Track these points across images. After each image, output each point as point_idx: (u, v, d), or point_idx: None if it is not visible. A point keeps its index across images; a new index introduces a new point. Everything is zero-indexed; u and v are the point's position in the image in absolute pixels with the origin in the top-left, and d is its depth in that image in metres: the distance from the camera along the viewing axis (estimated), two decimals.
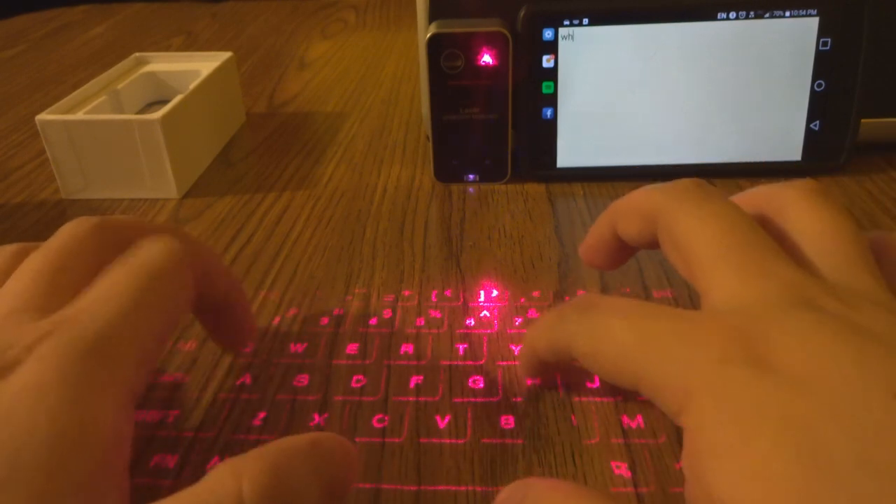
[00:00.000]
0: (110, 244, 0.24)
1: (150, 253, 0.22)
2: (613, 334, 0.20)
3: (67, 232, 0.23)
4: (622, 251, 0.26)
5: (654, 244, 0.23)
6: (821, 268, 0.20)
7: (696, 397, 0.17)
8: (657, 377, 0.18)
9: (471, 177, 0.42)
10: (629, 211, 0.24)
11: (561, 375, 0.26)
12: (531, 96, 0.40)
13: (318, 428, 0.25)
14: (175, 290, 0.22)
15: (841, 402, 0.15)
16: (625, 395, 0.26)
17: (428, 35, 0.38)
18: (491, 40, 0.38)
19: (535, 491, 0.18)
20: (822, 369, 0.16)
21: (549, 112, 0.40)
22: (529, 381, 0.26)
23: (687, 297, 0.31)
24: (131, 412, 0.19)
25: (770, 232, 0.21)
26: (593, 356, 0.21)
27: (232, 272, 0.27)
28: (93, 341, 0.19)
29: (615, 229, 0.25)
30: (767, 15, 0.37)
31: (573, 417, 0.25)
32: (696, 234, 0.21)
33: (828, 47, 0.38)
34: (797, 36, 0.38)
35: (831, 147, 0.40)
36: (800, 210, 0.21)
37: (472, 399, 0.26)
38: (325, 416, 0.25)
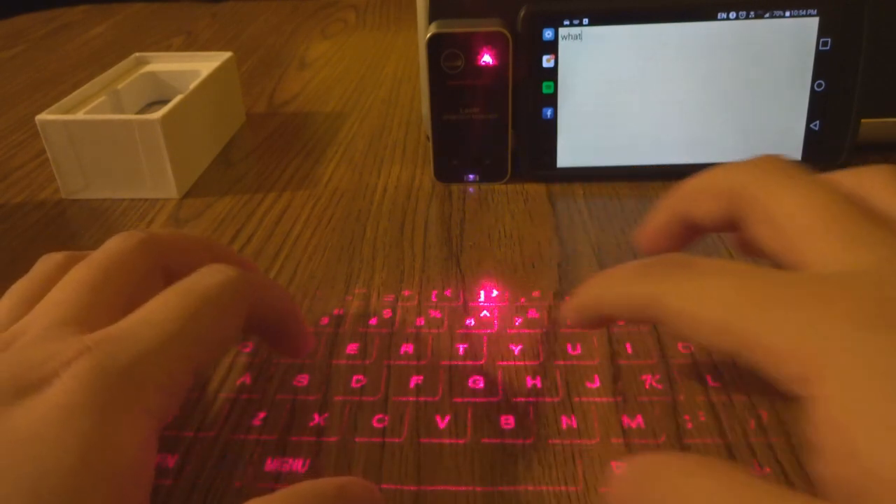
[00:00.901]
0: (156, 259, 0.24)
1: (207, 282, 0.22)
2: (714, 293, 0.18)
3: (114, 245, 0.23)
4: (687, 235, 0.25)
5: (727, 225, 0.23)
6: None
7: (832, 364, 0.16)
8: (772, 341, 0.17)
9: (471, 177, 0.42)
10: (706, 189, 0.23)
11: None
12: (531, 96, 0.40)
13: (318, 428, 0.25)
14: (224, 324, 0.21)
15: None
16: (625, 395, 0.26)
17: (428, 35, 0.38)
18: (491, 40, 0.38)
19: (655, 467, 0.17)
20: None
21: (549, 112, 0.40)
22: (570, 325, 0.25)
23: None
24: (156, 441, 0.19)
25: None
26: (687, 316, 0.19)
27: (286, 294, 0.26)
28: (127, 367, 0.18)
29: (685, 211, 0.24)
30: (767, 15, 0.37)
31: (573, 417, 0.25)
32: (796, 205, 0.20)
33: (828, 47, 0.38)
34: (797, 36, 0.38)
35: (831, 147, 0.40)
36: (888, 192, 0.21)
37: (472, 399, 0.26)
38: (325, 416, 0.25)
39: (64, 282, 0.22)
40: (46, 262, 0.24)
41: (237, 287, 0.22)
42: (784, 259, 0.20)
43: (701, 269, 0.19)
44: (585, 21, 0.38)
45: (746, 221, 0.22)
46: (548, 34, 0.38)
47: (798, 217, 0.20)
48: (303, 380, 0.27)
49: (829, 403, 0.15)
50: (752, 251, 0.24)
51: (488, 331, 0.29)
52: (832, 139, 0.40)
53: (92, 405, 0.17)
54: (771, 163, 0.22)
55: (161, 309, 0.20)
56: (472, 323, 0.30)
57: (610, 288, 0.22)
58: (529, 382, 0.27)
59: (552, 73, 0.39)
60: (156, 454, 0.19)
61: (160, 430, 0.20)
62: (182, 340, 0.20)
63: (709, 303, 0.19)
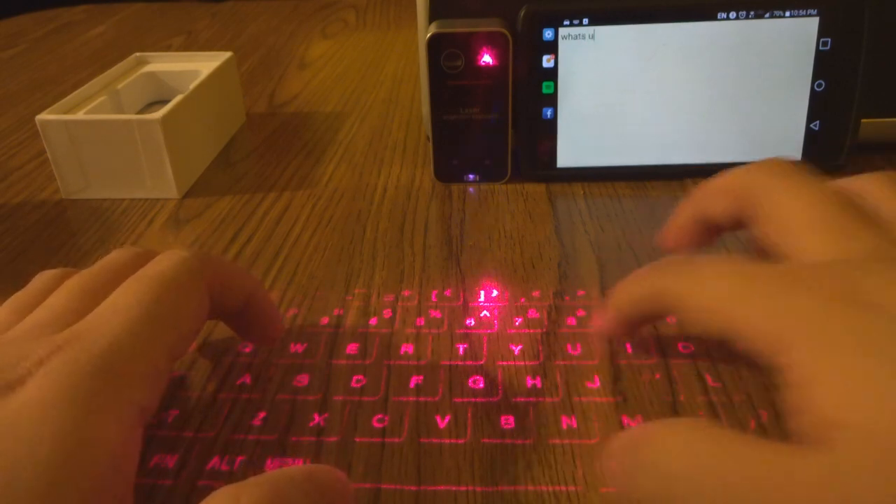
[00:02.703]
0: None
1: (160, 266, 0.23)
2: (706, 282, 0.21)
3: (108, 259, 0.24)
4: (706, 234, 0.27)
5: (740, 223, 0.25)
6: None
7: (797, 335, 0.18)
8: (753, 321, 0.19)
9: (471, 177, 0.42)
10: (719, 190, 0.25)
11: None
12: (531, 96, 0.40)
13: (318, 428, 0.25)
14: (187, 302, 0.22)
15: None
16: (625, 395, 0.26)
17: (428, 35, 0.38)
18: (491, 40, 0.38)
19: (646, 435, 0.19)
20: None
21: (549, 112, 0.40)
22: (608, 337, 0.28)
23: None
24: (138, 431, 0.19)
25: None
26: (685, 305, 0.21)
27: (251, 275, 0.27)
28: (100, 358, 0.19)
29: (702, 211, 0.26)
30: (767, 15, 0.37)
31: (573, 417, 0.25)
32: (790, 204, 0.22)
33: (828, 47, 0.38)
34: (797, 36, 0.38)
35: (831, 147, 0.40)
36: (884, 194, 0.23)
37: (472, 399, 0.26)
38: (325, 416, 0.25)
39: (57, 291, 0.23)
40: (43, 277, 0.25)
41: (191, 266, 0.23)
42: (781, 252, 0.22)
43: (699, 265, 0.22)
44: (585, 21, 0.38)
45: (753, 220, 0.24)
46: (548, 34, 0.38)
47: (796, 214, 0.22)
48: (303, 380, 0.27)
49: (792, 369, 0.17)
50: (761, 248, 0.25)
51: (488, 331, 0.29)
52: (832, 139, 0.40)
53: (67, 399, 0.18)
54: (777, 165, 0.24)
55: (123, 298, 0.21)
56: (472, 323, 0.30)
57: (630, 289, 0.25)
58: (529, 382, 0.27)
59: (552, 73, 0.39)
60: (140, 444, 0.19)
61: (145, 419, 0.20)
62: (149, 323, 0.20)
63: (699, 292, 0.21)
